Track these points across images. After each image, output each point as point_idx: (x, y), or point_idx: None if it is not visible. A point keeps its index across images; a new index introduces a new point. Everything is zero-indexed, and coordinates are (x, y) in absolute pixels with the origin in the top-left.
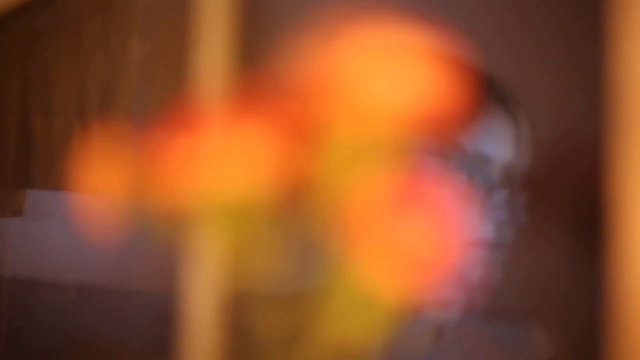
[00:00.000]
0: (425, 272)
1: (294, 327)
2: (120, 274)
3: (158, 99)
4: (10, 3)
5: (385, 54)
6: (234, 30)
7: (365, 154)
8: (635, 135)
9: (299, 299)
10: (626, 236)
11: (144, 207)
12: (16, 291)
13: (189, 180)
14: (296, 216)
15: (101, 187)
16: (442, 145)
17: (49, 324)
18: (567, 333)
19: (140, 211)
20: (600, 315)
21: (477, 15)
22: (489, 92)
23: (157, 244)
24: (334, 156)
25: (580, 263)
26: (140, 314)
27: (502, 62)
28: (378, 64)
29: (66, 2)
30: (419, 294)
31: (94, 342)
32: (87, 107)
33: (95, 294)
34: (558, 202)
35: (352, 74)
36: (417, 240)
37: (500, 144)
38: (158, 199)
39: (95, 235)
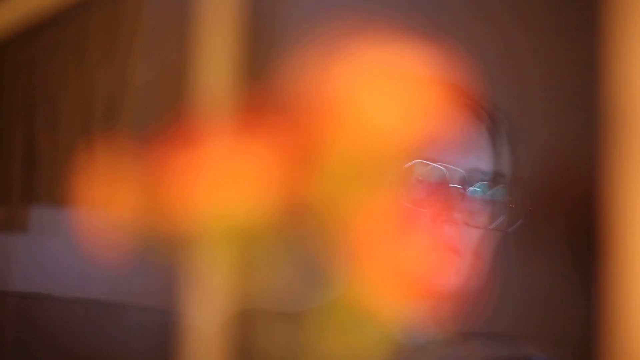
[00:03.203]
0: (423, 290)
1: (297, 344)
2: (125, 290)
3: (162, 116)
4: (18, 23)
5: (385, 73)
6: (238, 48)
7: (365, 172)
8: (632, 150)
9: (302, 317)
10: (622, 252)
11: (148, 224)
12: (22, 307)
13: (193, 197)
14: (299, 235)
15: (105, 203)
16: (435, 162)
17: (54, 340)
18: (564, 352)
19: (145, 228)
20: (596, 333)
21: (475, 35)
22: (484, 110)
23: (162, 261)
24: (335, 175)
25: (577, 281)
26: (145, 331)
27: (499, 78)
28: (379, 84)
29: (72, 21)
30: (418, 312)
31: (100, 358)
32: (91, 124)
33: (100, 310)
34: (554, 219)
35: (353, 92)
36: (416, 259)
37: (495, 161)
38: (163, 215)
39: (100, 252)
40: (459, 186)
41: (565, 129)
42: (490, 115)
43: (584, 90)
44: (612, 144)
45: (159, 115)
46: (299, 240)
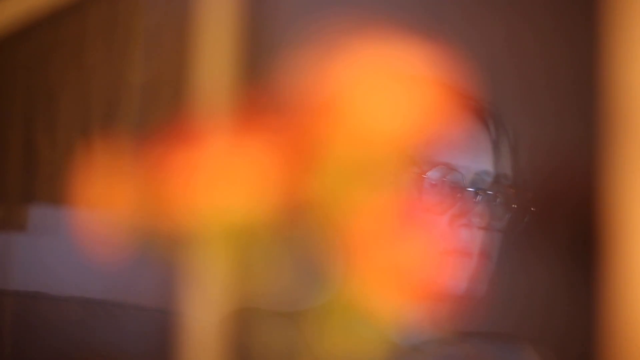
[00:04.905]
0: (426, 291)
1: (294, 344)
2: (123, 289)
3: (161, 115)
4: (16, 22)
5: (385, 73)
6: (237, 47)
7: (364, 172)
8: (634, 152)
9: (300, 317)
10: (624, 255)
11: (146, 223)
12: (20, 306)
13: (191, 196)
14: (297, 234)
15: (104, 202)
16: (436, 163)
17: (52, 339)
18: (565, 354)
19: (143, 227)
20: (597, 335)
21: (474, 34)
22: (486, 110)
23: (160, 260)
24: (334, 175)
25: (578, 283)
26: (143, 330)
27: (500, 79)
28: (378, 82)
29: (70, 21)
30: (415, 313)
31: (97, 357)
32: (90, 123)
33: (98, 309)
34: (556, 221)
35: (352, 92)
36: (414, 258)
37: (495, 161)
38: (161, 215)
39: (98, 251)
40: (469, 189)
41: (567, 131)
42: (492, 116)
43: (586, 92)
44: (614, 146)
45: (158, 115)
46: (298, 240)
